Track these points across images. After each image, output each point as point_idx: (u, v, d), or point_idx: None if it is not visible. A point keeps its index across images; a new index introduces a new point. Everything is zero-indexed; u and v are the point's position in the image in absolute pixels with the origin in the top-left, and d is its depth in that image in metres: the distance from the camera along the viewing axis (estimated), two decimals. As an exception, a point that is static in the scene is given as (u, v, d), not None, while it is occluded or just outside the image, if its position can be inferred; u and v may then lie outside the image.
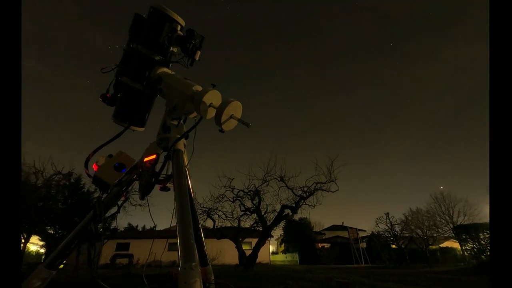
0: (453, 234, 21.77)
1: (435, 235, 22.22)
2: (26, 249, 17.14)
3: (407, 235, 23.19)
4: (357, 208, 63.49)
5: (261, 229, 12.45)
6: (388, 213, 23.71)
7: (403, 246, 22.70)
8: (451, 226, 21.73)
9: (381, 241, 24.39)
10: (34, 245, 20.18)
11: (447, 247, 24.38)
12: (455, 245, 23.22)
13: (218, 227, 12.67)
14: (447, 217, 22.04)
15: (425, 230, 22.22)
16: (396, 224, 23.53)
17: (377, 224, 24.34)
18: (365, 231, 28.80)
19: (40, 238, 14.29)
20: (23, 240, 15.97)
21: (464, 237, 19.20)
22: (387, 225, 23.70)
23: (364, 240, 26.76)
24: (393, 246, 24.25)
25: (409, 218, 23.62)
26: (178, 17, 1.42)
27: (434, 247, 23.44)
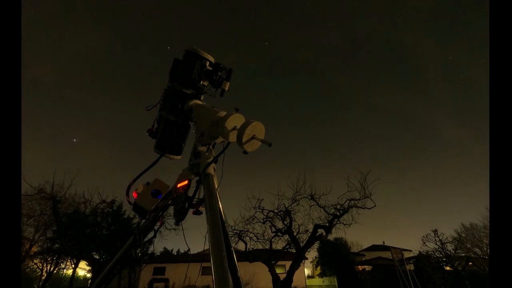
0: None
1: (498, 254, 19.21)
2: (75, 274, 18.29)
3: (463, 255, 20.40)
4: (398, 225, 57.79)
5: (294, 251, 11.92)
6: (436, 230, 21.18)
7: (459, 268, 19.89)
8: (519, 243, 18.69)
9: (432, 262, 21.66)
10: (82, 270, 21.46)
11: (517, 269, 20.84)
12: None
13: (250, 249, 12.39)
14: (512, 233, 19.06)
15: (486, 249, 19.38)
16: (447, 243, 20.86)
17: (424, 242, 21.80)
18: (410, 251, 25.94)
19: (87, 263, 15.21)
20: (72, 265, 17.16)
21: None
22: (436, 244, 21.12)
23: (411, 262, 24.00)
24: (447, 268, 21.37)
25: (463, 235, 20.90)
26: (208, 55, 1.60)
27: (499, 269, 20.17)
